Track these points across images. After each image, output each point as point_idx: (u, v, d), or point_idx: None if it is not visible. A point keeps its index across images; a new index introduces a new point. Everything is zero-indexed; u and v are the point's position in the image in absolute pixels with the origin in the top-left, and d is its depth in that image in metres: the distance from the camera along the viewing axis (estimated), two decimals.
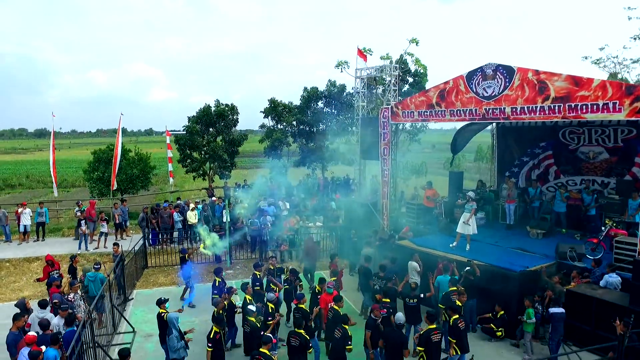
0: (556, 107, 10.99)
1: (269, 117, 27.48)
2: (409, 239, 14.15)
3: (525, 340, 9.82)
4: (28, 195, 35.45)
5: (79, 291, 10.17)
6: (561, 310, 9.56)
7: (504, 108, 12.19)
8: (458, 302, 9.25)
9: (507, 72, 11.98)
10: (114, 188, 22.68)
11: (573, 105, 10.64)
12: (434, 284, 11.46)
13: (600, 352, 9.40)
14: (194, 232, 18.49)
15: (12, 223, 18.95)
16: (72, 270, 12.41)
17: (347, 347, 8.00)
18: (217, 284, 11.23)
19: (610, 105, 9.96)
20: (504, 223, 15.87)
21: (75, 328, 8.05)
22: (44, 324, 8.02)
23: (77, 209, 18.68)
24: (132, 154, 24.60)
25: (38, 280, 12.69)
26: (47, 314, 8.84)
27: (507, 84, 12.02)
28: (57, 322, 8.45)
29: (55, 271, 12.25)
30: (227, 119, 26.05)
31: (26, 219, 17.85)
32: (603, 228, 11.81)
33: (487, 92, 12.58)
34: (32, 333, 7.61)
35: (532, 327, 9.70)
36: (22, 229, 17.90)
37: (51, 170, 21.53)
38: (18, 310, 9.44)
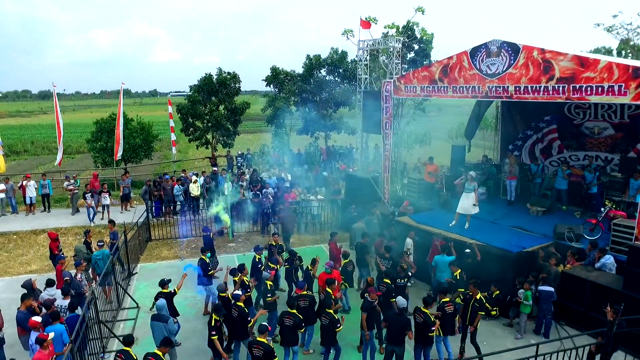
0: (560, 88, 10.77)
1: (271, 85, 27.15)
2: (408, 215, 14.24)
3: (521, 320, 10.07)
4: (34, 162, 35.75)
5: (83, 271, 10.40)
6: (549, 288, 9.75)
7: (508, 87, 11.96)
8: (470, 292, 9.19)
9: (512, 49, 11.67)
10: (118, 158, 22.82)
11: (578, 86, 10.42)
12: (430, 263, 11.67)
13: (591, 335, 9.63)
14: (197, 204, 18.70)
15: (18, 193, 19.17)
16: (87, 245, 12.59)
17: (337, 329, 8.23)
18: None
19: (616, 88, 9.73)
20: (505, 199, 15.88)
21: (79, 311, 8.30)
22: (47, 305, 8.28)
23: (67, 183, 18.67)
24: (134, 124, 24.55)
25: (53, 257, 12.81)
26: (57, 292, 9.09)
27: (512, 62, 11.74)
28: (62, 303, 8.70)
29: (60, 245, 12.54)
30: (229, 87, 25.76)
31: (31, 191, 18.07)
32: (602, 209, 11.82)
33: (490, 70, 12.31)
34: (36, 317, 7.85)
35: (529, 309, 9.90)
36: (27, 200, 18.15)
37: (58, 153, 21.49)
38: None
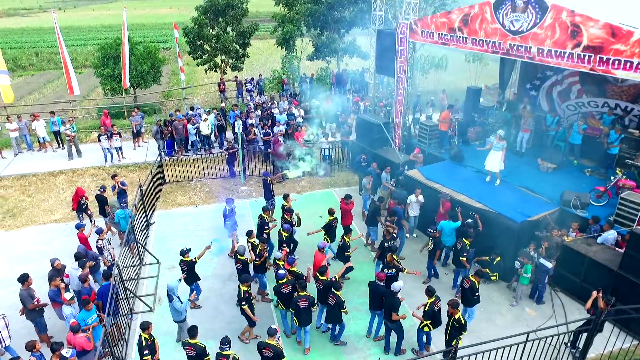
0: (586, 57, 10.19)
1: (280, 4, 25.59)
2: (417, 168, 14.30)
3: (517, 290, 10.67)
4: (41, 79, 35.30)
5: (105, 237, 10.94)
6: (548, 265, 10.18)
7: (530, 47, 11.32)
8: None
9: (540, 7, 10.84)
10: (127, 87, 22.53)
11: (605, 58, 9.86)
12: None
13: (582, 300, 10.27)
14: (209, 142, 18.81)
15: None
16: (100, 200, 13.02)
17: (343, 310, 8.83)
18: (227, 212, 12.03)
19: None
20: (516, 148, 15.67)
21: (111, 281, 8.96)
22: (83, 279, 8.96)
23: (63, 128, 17.96)
24: (140, 48, 23.80)
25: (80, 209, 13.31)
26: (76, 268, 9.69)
27: (537, 21, 10.97)
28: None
29: (84, 200, 13.03)
30: (236, 7, 24.36)
31: (41, 131, 18.14)
32: (612, 178, 11.80)
33: (514, 26, 11.55)
34: (68, 294, 8.51)
35: (527, 281, 10.43)
36: (41, 140, 18.35)
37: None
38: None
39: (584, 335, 8.89)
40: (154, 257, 12.12)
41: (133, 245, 11.64)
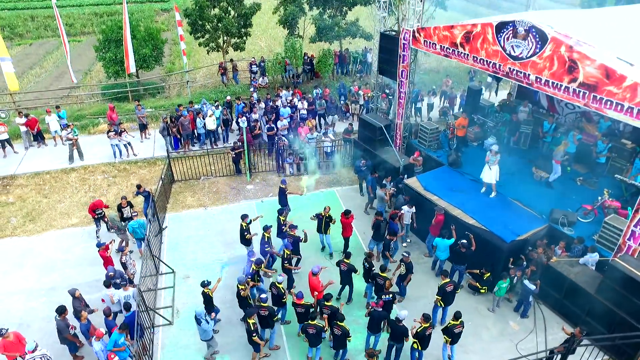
0: (581, 93, 10.58)
1: None
2: (417, 177, 14.87)
3: (494, 300, 11.86)
4: (40, 50, 34.91)
5: (128, 252, 11.78)
6: (531, 286, 11.15)
7: (529, 74, 11.65)
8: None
9: (540, 37, 11.08)
10: (130, 72, 22.61)
11: (598, 97, 10.26)
12: (432, 244, 12.89)
13: (567, 318, 11.30)
14: (215, 136, 19.30)
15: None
16: (119, 209, 13.67)
17: (348, 339, 9.81)
18: (244, 227, 12.68)
19: (635, 111, 9.65)
20: (515, 148, 16.19)
21: (134, 306, 9.89)
22: (107, 313, 9.85)
23: (65, 132, 17.86)
24: (141, 31, 23.65)
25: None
26: (113, 291, 10.56)
27: (537, 51, 11.25)
28: (119, 296, 10.33)
29: (100, 210, 13.72)
30: None
31: (54, 125, 18.48)
32: (600, 198, 12.48)
33: (514, 52, 11.82)
34: (102, 329, 9.43)
35: (499, 294, 11.57)
36: (53, 133, 18.74)
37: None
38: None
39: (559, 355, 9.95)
40: (168, 267, 13.00)
41: (146, 252, 12.40)
